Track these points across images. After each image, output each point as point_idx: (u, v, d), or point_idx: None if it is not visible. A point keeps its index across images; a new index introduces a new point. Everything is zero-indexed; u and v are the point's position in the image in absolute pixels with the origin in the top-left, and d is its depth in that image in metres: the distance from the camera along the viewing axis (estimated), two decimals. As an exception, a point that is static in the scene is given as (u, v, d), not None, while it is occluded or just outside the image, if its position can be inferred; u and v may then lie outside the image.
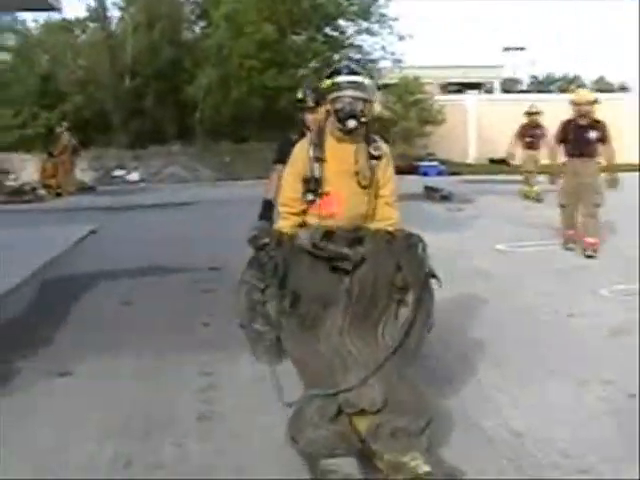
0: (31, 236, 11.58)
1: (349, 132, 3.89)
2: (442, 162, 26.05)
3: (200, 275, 8.73)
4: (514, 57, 61.15)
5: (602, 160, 9.95)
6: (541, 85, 73.89)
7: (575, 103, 9.82)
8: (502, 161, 29.71)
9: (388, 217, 4.08)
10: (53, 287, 8.38)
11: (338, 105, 3.83)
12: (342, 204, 3.92)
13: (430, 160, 25.90)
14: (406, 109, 27.64)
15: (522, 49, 62.61)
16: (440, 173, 25.28)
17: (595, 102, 9.77)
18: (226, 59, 28.25)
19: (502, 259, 9.65)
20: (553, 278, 8.41)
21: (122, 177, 24.63)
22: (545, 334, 6.22)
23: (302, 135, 4.96)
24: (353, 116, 3.81)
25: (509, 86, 51.39)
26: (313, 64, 29.34)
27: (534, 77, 77.09)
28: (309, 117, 5.53)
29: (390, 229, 4.02)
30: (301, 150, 4.04)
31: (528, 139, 16.54)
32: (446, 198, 16.25)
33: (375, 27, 29.91)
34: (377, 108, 29.61)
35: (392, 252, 3.88)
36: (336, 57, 29.68)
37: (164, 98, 28.76)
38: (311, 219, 3.98)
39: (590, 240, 9.65)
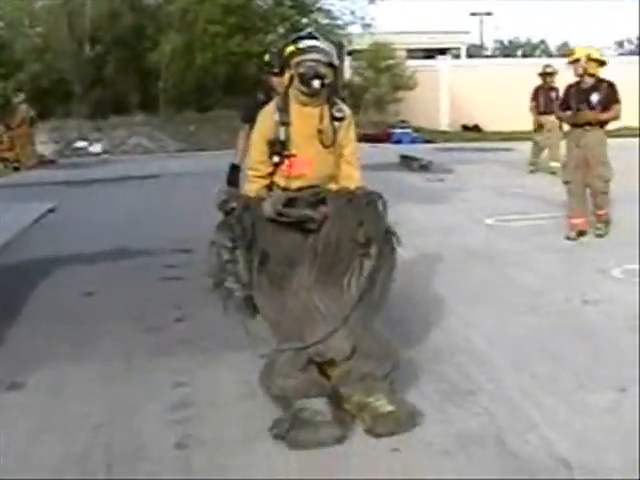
0: (-19, 216, 10.69)
1: (313, 94, 4.01)
2: (415, 129, 25.36)
3: (169, 259, 7.96)
4: (480, 23, 60.74)
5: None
6: (507, 50, 73.53)
7: (570, 62, 8.67)
8: (475, 127, 29.44)
9: (349, 176, 4.19)
10: (4, 276, 7.54)
11: (302, 69, 3.95)
12: (309, 165, 4.06)
13: (403, 127, 25.16)
14: (377, 75, 26.88)
15: (489, 14, 62.11)
16: (413, 141, 24.58)
17: (599, 62, 8.47)
18: (190, 25, 27.28)
19: (494, 235, 8.96)
20: (555, 257, 7.71)
21: (84, 149, 23.57)
22: (561, 326, 5.49)
23: (269, 96, 5.11)
24: (317, 76, 3.92)
25: (474, 52, 50.76)
26: (281, 29, 28.42)
27: (500, 42, 76.71)
28: (275, 81, 5.37)
29: (351, 187, 4.14)
30: (267, 115, 4.15)
31: (543, 103, 14.36)
32: (425, 168, 15.56)
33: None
34: (347, 74, 28.95)
35: (353, 209, 4.01)
36: (304, 21, 28.76)
37: (126, 66, 27.71)
38: (279, 180, 4.10)
39: (600, 212, 8.59)
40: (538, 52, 73.23)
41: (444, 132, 27.79)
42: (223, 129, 24.81)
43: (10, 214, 10.97)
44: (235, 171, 6.01)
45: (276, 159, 4.06)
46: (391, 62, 27.04)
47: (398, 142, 24.34)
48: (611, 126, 8.76)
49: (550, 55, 64.79)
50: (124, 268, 7.72)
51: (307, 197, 4.05)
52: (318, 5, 29.57)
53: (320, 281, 3.93)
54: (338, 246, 3.96)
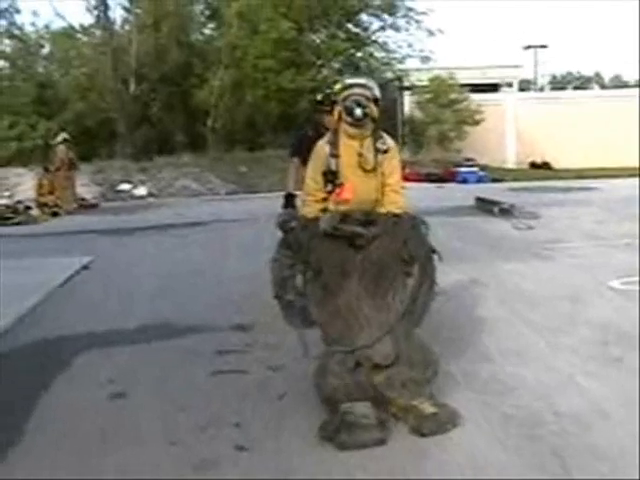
0: (7, 275, 9.04)
1: (358, 123, 4.51)
2: (481, 167, 23.52)
3: (223, 339, 6.20)
4: (535, 56, 58.76)
5: None
6: (559, 84, 71.41)
7: None
8: (545, 165, 27.53)
9: (395, 201, 4.59)
10: (14, 365, 5.87)
11: (347, 102, 4.50)
12: (353, 191, 4.53)
13: (469, 165, 23.35)
14: (440, 110, 25.15)
15: (544, 47, 60.14)
16: (480, 180, 22.82)
17: None
18: (240, 60, 26.04)
19: (627, 304, 7.01)
20: None
21: (128, 192, 22.09)
22: None
23: (317, 132, 5.51)
24: (360, 106, 4.47)
25: (525, 87, 48.88)
26: (335, 64, 26.95)
27: (553, 76, 74.67)
28: (326, 119, 5.64)
29: (397, 211, 4.56)
30: (320, 148, 4.67)
31: None
32: (506, 212, 13.68)
33: (401, 22, 27.45)
34: (406, 109, 27.34)
35: (399, 231, 4.48)
36: (359, 55, 27.27)
37: (172, 104, 26.50)
38: (330, 205, 4.59)
39: None
40: (592, 85, 71.13)
41: (511, 170, 25.96)
42: (275, 170, 23.31)
43: (40, 272, 9.39)
44: (290, 198, 6.32)
45: (329, 187, 4.57)
46: (454, 96, 25.27)
47: (464, 181, 22.64)
48: None
49: (604, 87, 62.75)
50: (166, 354, 5.95)
51: (358, 217, 4.49)
52: (373, 38, 28.07)
53: (368, 293, 4.34)
54: (384, 262, 4.40)
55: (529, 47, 58.39)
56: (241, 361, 5.58)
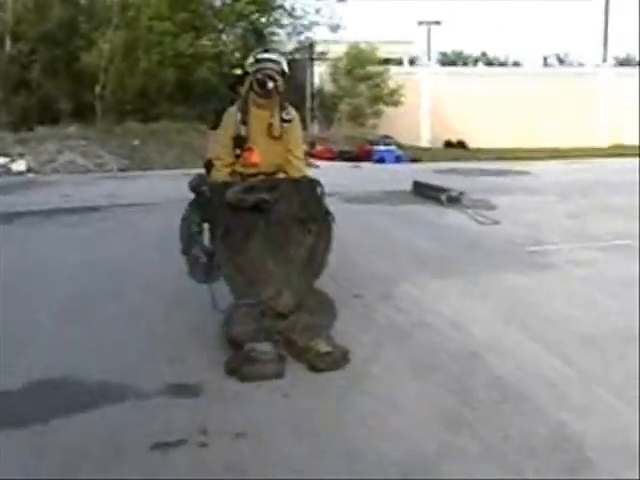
0: None
1: (267, 94, 4.98)
2: (399, 146, 21.86)
3: (156, 412, 4.09)
4: (428, 32, 57.67)
5: None
6: (448, 62, 70.79)
7: None
8: (459, 144, 26.17)
9: (295, 166, 5.16)
10: None
11: (259, 75, 4.96)
12: (261, 156, 5.02)
13: (387, 144, 21.61)
14: (355, 83, 23.23)
15: (437, 23, 59.13)
16: (398, 159, 21.22)
17: None
18: (132, 21, 23.33)
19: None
20: None
21: (4, 167, 19.16)
22: None
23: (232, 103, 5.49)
24: (270, 78, 4.92)
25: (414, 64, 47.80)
26: (238, 29, 24.68)
27: (443, 54, 74.05)
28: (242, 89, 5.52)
29: (297, 176, 5.12)
30: (230, 115, 5.11)
31: None
32: (455, 200, 11.93)
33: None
34: (316, 80, 25.37)
35: (299, 194, 4.92)
36: (263, 20, 25.06)
37: (55, 68, 23.53)
38: (238, 168, 5.08)
39: None
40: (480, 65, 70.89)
41: (426, 149, 24.43)
42: (172, 144, 21.07)
43: None
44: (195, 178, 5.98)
45: (237, 151, 5.03)
46: (372, 69, 23.41)
47: (381, 161, 20.94)
48: None
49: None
50: (63, 448, 3.79)
51: (262, 184, 4.92)
52: (279, 2, 25.82)
53: (271, 250, 4.80)
54: (285, 223, 4.83)
55: (422, 23, 57.38)
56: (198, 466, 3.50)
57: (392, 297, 6.31)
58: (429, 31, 58.89)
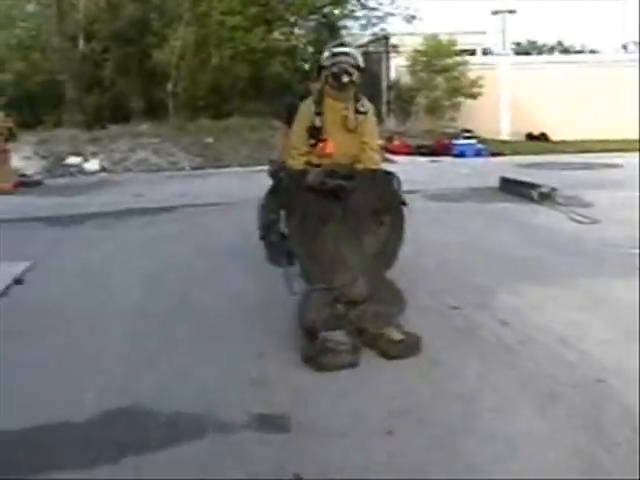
0: None
1: (342, 87, 5.05)
2: (480, 140, 21.00)
3: (242, 448, 3.52)
4: (503, 22, 56.18)
5: None
6: (523, 52, 68.95)
7: None
8: (542, 136, 25.11)
9: (371, 158, 5.18)
10: None
11: (334, 69, 5.02)
12: (336, 147, 5.06)
13: (466, 137, 20.78)
14: (432, 76, 22.44)
15: (512, 12, 57.57)
16: (478, 153, 20.41)
17: None
18: (203, 17, 22.94)
19: None
20: None
21: (77, 166, 19.00)
22: None
23: (303, 97, 5.62)
24: (345, 72, 5.00)
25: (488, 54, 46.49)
26: (311, 22, 24.10)
27: (517, 44, 72.25)
28: (313, 85, 5.93)
29: (373, 167, 5.17)
30: (306, 107, 5.22)
31: None
32: (548, 197, 11.13)
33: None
34: (392, 73, 24.67)
35: (374, 185, 5.04)
36: (336, 12, 24.43)
37: (128, 66, 23.39)
38: (314, 158, 5.11)
39: None
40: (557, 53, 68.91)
41: (505, 142, 23.48)
42: (245, 141, 20.60)
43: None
44: (274, 163, 6.43)
45: (312, 141, 5.08)
46: (450, 61, 22.57)
47: (460, 155, 20.13)
48: None
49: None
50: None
51: (340, 172, 5.01)
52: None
53: (345, 238, 4.82)
54: (361, 212, 4.88)
55: (496, 12, 55.90)
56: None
57: (492, 308, 5.64)
58: (504, 20, 57.48)
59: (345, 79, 5.01)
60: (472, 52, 30.77)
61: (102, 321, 5.66)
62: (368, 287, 4.72)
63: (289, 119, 5.88)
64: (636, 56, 27.07)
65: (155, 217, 11.08)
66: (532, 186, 11.60)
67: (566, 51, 67.26)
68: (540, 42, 74.67)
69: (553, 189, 11.28)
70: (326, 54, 5.18)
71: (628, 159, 18.39)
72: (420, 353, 4.58)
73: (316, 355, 4.45)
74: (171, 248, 8.52)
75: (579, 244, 8.03)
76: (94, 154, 19.42)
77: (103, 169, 18.92)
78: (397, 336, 4.62)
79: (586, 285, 6.26)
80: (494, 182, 13.11)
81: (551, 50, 72.19)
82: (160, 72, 22.96)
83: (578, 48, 63.82)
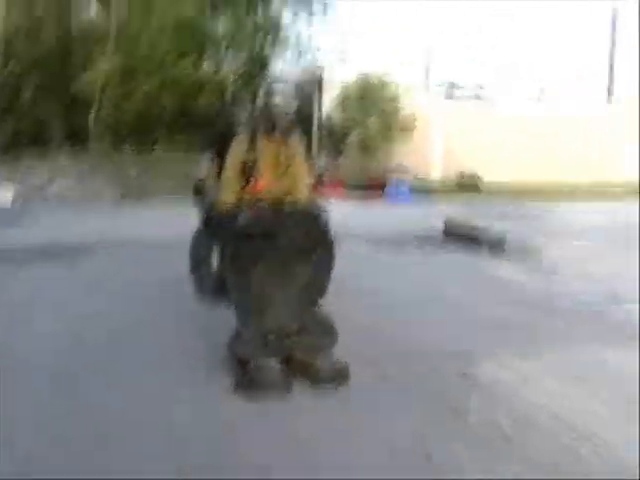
0: None
1: (275, 130, 5.25)
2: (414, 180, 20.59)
3: None
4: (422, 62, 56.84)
5: None
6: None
7: None
8: (472, 181, 24.81)
9: (300, 190, 5.29)
10: None
11: (269, 118, 5.24)
12: (268, 184, 5.19)
13: (399, 177, 20.30)
14: (365, 114, 21.96)
15: (433, 52, 58.25)
16: (410, 198, 19.83)
17: None
18: (130, 41, 21.95)
19: None
20: None
21: (-10, 195, 17.74)
22: None
23: (231, 132, 5.64)
24: (277, 124, 5.24)
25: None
26: (243, 53, 23.46)
27: (438, 85, 73.24)
28: (240, 113, 7.01)
29: (302, 205, 5.23)
30: (239, 143, 5.27)
31: None
32: (499, 246, 10.61)
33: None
34: (325, 108, 24.09)
35: (302, 224, 5.10)
36: (268, 46, 23.88)
37: (48, 90, 22.02)
38: (246, 195, 5.17)
39: None
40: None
41: (434, 190, 23.11)
42: (170, 174, 19.65)
43: None
44: (199, 187, 6.10)
45: (244, 178, 5.18)
46: (383, 97, 22.16)
47: (393, 197, 19.60)
48: None
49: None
50: None
51: (270, 212, 5.06)
52: (283, 32, 24.53)
53: (275, 274, 4.96)
54: (289, 250, 4.99)
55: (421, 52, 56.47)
56: None
57: (477, 382, 4.96)
58: (428, 60, 58.10)
59: (277, 132, 5.25)
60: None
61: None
62: (298, 320, 4.92)
63: (217, 147, 6.09)
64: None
65: (76, 258, 10.03)
66: (477, 233, 11.04)
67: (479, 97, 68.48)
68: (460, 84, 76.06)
69: (502, 236, 10.75)
70: (260, 102, 5.46)
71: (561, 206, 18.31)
72: (349, 381, 4.81)
73: (248, 383, 4.70)
74: (104, 300, 7.58)
75: (548, 302, 7.43)
76: (8, 183, 18.14)
77: (16, 199, 17.66)
78: (326, 365, 4.86)
79: (572, 352, 5.64)
80: (436, 227, 12.57)
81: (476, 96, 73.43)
82: (82, 98, 21.82)
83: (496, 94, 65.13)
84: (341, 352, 5.04)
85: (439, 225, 12.37)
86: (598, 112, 26.99)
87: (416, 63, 41.59)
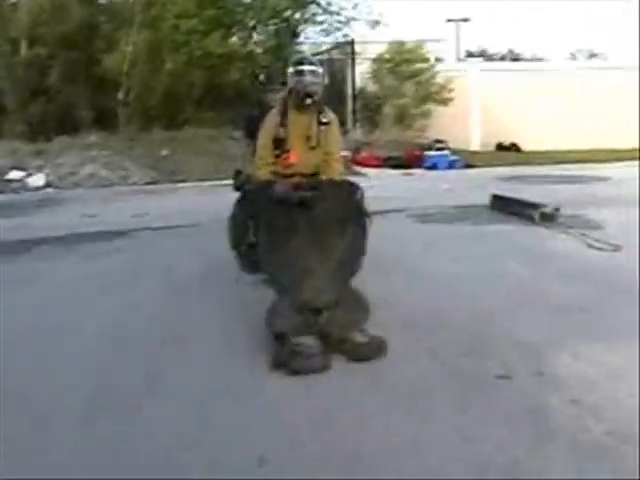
0: None
1: (306, 106, 5.30)
2: (453, 151, 19.91)
3: None
4: (457, 29, 55.59)
5: None
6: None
7: None
8: (513, 146, 24.15)
9: (334, 169, 5.46)
10: None
11: (298, 87, 5.24)
12: (299, 158, 5.35)
13: (439, 148, 19.65)
14: (400, 83, 21.28)
15: (466, 20, 56.99)
16: (451, 165, 19.26)
17: None
18: (156, 20, 21.47)
19: None
20: None
21: (20, 181, 17.39)
22: None
23: (262, 111, 5.79)
24: (309, 95, 5.24)
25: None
26: (271, 25, 22.82)
27: (469, 53, 71.82)
28: (273, 97, 6.00)
29: (337, 179, 5.39)
30: (271, 117, 5.40)
31: None
32: (551, 218, 9.99)
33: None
34: (357, 81, 23.48)
35: (338, 195, 5.09)
36: (297, 16, 23.19)
37: (75, 72, 21.70)
38: (279, 168, 5.38)
39: None
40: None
41: (477, 153, 22.44)
42: (203, 152, 19.21)
43: None
44: (240, 175, 6.45)
45: (277, 152, 5.34)
46: (418, 66, 21.43)
47: (433, 167, 19.03)
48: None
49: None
50: None
51: (306, 183, 5.18)
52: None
53: (311, 248, 4.85)
54: (326, 222, 4.93)
55: (450, 20, 55.21)
56: None
57: (553, 378, 4.39)
58: (458, 29, 56.94)
59: (308, 101, 5.28)
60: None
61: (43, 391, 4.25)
62: (334, 295, 4.80)
63: (249, 131, 6.27)
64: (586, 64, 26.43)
65: (112, 243, 9.65)
66: (528, 205, 10.42)
67: (516, 59, 67.10)
68: (490, 51, 74.61)
69: (556, 209, 10.12)
70: (290, 70, 5.37)
71: (613, 170, 17.51)
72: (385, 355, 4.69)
73: (288, 359, 4.53)
74: (124, 289, 7.11)
75: (612, 279, 6.82)
76: (39, 168, 17.81)
77: (49, 185, 17.32)
78: (361, 339, 4.75)
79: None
80: (481, 199, 11.95)
81: (502, 59, 72.07)
82: (110, 80, 21.44)
83: (528, 57, 63.69)
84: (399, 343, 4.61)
85: (483, 194, 11.79)
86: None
87: (447, 32, 40.72)
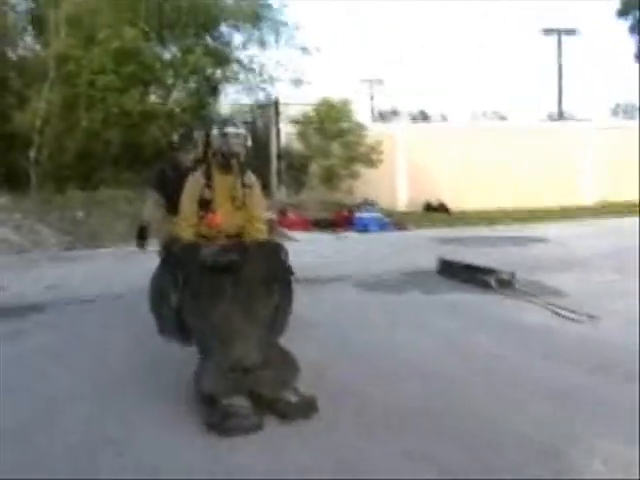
0: None
1: (230, 167, 5.42)
2: (383, 212, 19.41)
3: None
4: (370, 89, 56.08)
5: None
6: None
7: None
8: (441, 207, 23.76)
9: (258, 229, 5.52)
10: None
11: (225, 148, 5.36)
12: (225, 218, 5.39)
13: (367, 210, 19.08)
14: (326, 143, 20.71)
15: (380, 81, 57.60)
16: (383, 227, 18.64)
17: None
18: (72, 75, 20.46)
19: None
20: None
21: None
22: None
23: (177, 171, 6.47)
24: (234, 156, 5.39)
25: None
26: (192, 83, 22.07)
27: (380, 113, 72.43)
28: (185, 157, 6.84)
29: (261, 239, 5.44)
30: (196, 179, 5.46)
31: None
32: (508, 285, 9.39)
33: (270, 38, 22.98)
34: (282, 139, 22.82)
35: (264, 257, 5.18)
36: (218, 73, 22.54)
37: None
38: (203, 229, 5.39)
39: None
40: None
41: (405, 213, 22.00)
42: (121, 215, 18.09)
43: None
44: (143, 231, 7.03)
45: (202, 213, 5.37)
46: (346, 126, 20.93)
47: (364, 229, 18.40)
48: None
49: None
50: None
51: (232, 246, 5.27)
52: (237, 54, 23.25)
53: (238, 310, 4.90)
54: (252, 283, 4.99)
55: (365, 81, 55.65)
56: None
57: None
58: (371, 88, 57.40)
59: (233, 163, 5.40)
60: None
61: None
62: (262, 355, 4.79)
63: (159, 185, 6.62)
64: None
65: (25, 319, 8.50)
66: (483, 270, 9.79)
67: (426, 119, 68.04)
68: (403, 111, 75.50)
69: (512, 274, 9.52)
70: (214, 132, 5.43)
71: (549, 230, 17.31)
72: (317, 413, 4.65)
73: (220, 420, 4.48)
74: (58, 372, 6.04)
75: (604, 358, 6.11)
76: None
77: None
78: (292, 398, 4.71)
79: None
80: (426, 263, 11.31)
81: (414, 119, 73.02)
82: (21, 136, 20.21)
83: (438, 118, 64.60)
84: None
85: (424, 258, 11.16)
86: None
87: (360, 91, 40.92)
